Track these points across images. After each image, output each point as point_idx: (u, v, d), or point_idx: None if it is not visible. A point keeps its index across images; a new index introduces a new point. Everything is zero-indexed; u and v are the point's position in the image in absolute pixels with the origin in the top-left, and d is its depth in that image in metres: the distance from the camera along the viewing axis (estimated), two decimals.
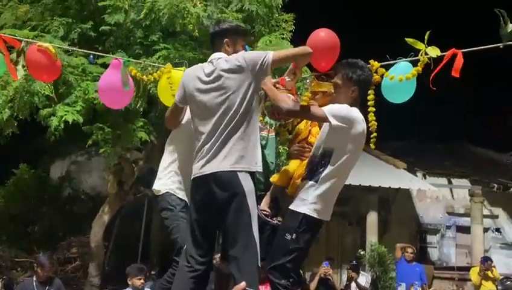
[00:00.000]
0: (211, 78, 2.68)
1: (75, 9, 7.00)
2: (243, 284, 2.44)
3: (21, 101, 5.64)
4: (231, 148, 2.58)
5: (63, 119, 5.82)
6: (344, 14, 18.43)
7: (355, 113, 2.73)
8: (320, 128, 2.99)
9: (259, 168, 2.66)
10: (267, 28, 7.05)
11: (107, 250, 9.46)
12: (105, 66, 6.20)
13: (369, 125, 3.06)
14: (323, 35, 3.19)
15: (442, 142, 15.99)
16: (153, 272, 8.43)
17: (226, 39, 2.80)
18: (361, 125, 2.74)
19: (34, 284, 5.11)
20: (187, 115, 3.11)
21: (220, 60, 2.72)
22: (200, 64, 2.87)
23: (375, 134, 3.15)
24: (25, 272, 8.99)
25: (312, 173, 2.77)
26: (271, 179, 3.13)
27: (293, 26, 7.30)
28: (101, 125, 6.53)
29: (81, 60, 6.18)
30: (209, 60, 2.81)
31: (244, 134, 2.62)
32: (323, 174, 2.71)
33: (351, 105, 2.76)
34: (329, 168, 2.71)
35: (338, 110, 2.69)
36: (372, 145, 3.21)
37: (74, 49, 5.40)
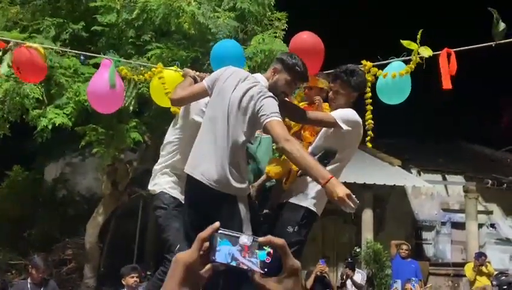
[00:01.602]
0: (242, 86, 2.64)
1: (67, 10, 6.96)
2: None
3: (11, 103, 5.62)
4: (229, 156, 2.56)
5: (52, 121, 5.79)
6: (337, 13, 18.43)
7: (358, 116, 2.89)
8: None
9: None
10: (259, 27, 7.05)
11: (102, 251, 9.42)
12: (97, 66, 6.16)
13: (366, 124, 3.18)
14: (305, 37, 3.24)
15: (436, 139, 16.04)
16: (148, 273, 8.39)
17: (275, 66, 2.78)
18: (361, 128, 2.92)
19: (29, 286, 5.08)
20: (192, 116, 3.12)
21: (256, 78, 2.74)
22: (243, 70, 2.88)
23: (371, 133, 3.23)
24: (20, 274, 8.93)
25: None
26: (266, 170, 3.09)
27: (286, 25, 7.29)
28: (94, 126, 6.51)
29: (72, 60, 6.15)
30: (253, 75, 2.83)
31: (242, 146, 2.63)
32: None
33: (349, 107, 2.92)
34: (331, 166, 2.81)
35: (346, 115, 2.83)
36: (368, 144, 3.27)
37: (65, 50, 5.37)
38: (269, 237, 0.92)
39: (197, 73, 3.14)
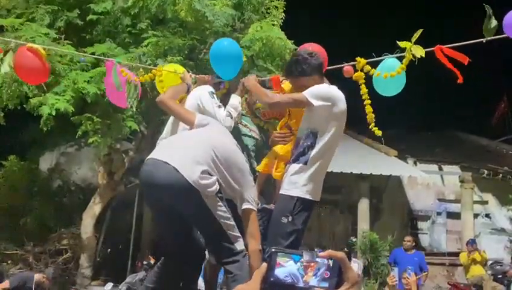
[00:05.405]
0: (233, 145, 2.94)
1: None
2: None
3: (9, 90, 5.53)
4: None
5: (54, 107, 5.72)
6: (333, 3, 18.34)
7: (335, 91, 2.83)
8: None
9: None
10: (257, 15, 6.99)
11: (98, 241, 9.42)
12: (94, 55, 6.12)
13: (367, 117, 3.17)
14: (310, 48, 3.22)
15: (432, 129, 16.06)
16: (145, 263, 8.40)
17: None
18: (342, 103, 2.83)
19: None
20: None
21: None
22: None
23: (373, 124, 3.21)
24: (16, 264, 8.91)
25: (299, 155, 2.82)
26: (256, 168, 3.13)
27: (283, 14, 7.24)
28: (90, 115, 6.45)
29: (69, 48, 6.07)
30: None
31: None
32: (311, 156, 2.78)
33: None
34: (316, 149, 2.78)
35: (317, 91, 2.79)
36: (378, 132, 3.24)
37: (80, 54, 5.29)
38: (329, 251, 0.99)
39: (197, 76, 3.29)
